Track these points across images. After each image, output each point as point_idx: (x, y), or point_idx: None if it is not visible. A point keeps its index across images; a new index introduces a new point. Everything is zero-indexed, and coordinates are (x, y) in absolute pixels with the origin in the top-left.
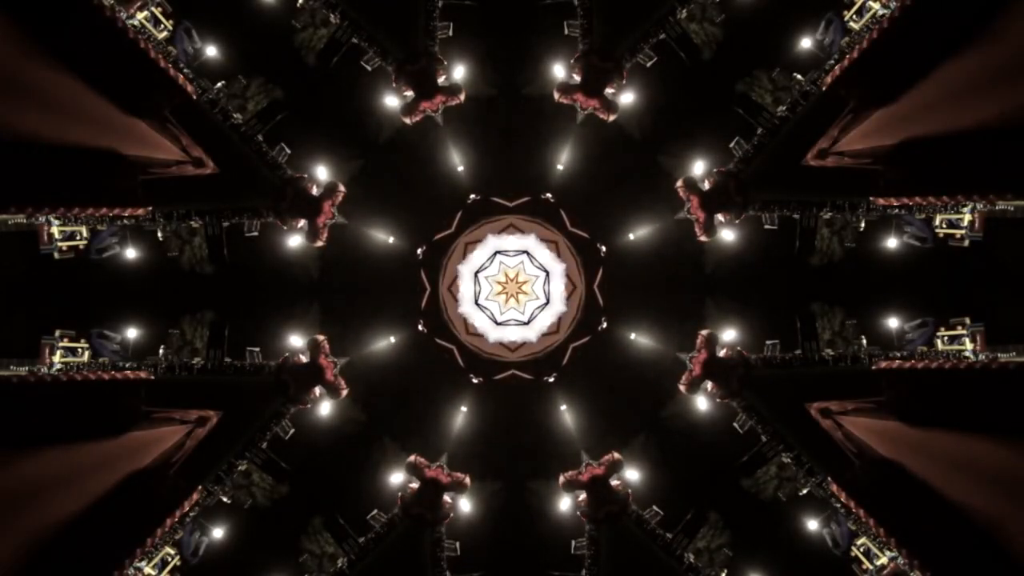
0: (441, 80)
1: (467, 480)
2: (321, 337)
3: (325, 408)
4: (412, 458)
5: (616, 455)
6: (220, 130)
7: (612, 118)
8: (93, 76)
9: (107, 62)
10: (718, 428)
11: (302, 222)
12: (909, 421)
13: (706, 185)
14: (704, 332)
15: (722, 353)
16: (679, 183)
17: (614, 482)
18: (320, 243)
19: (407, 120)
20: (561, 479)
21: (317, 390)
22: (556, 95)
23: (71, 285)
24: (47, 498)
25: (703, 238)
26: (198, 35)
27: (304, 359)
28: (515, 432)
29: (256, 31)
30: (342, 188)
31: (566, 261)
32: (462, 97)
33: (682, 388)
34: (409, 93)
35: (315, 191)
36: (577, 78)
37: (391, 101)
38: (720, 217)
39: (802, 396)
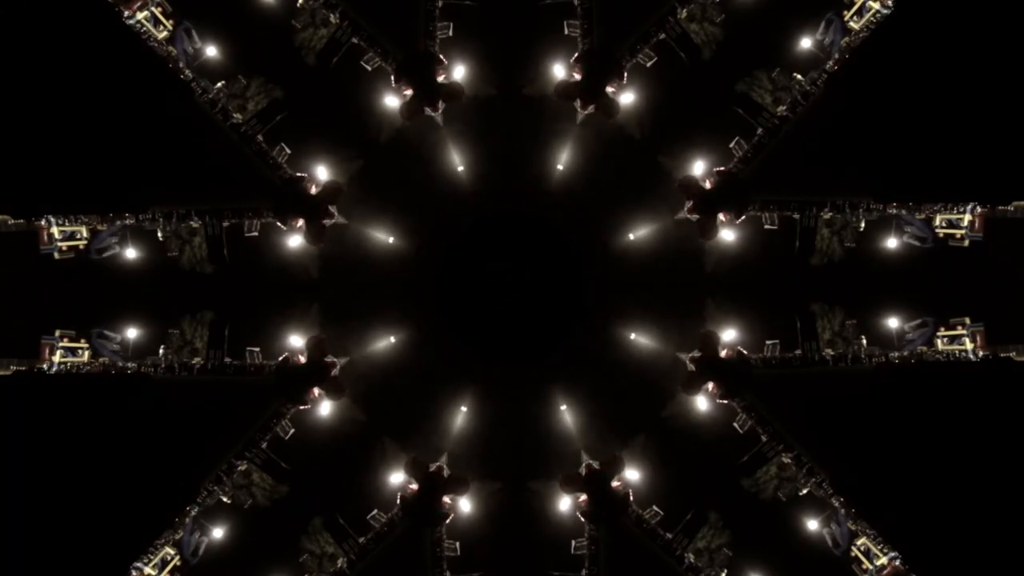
0: (441, 79)
1: (467, 480)
2: (321, 336)
3: (325, 408)
4: (411, 458)
5: (616, 454)
6: (220, 130)
7: (613, 119)
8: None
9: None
10: (718, 428)
11: (302, 222)
12: (909, 421)
13: (707, 185)
14: (704, 331)
15: (722, 353)
16: (678, 184)
17: (614, 483)
18: (320, 245)
19: (406, 120)
20: (560, 478)
21: (316, 390)
22: (555, 96)
23: (71, 285)
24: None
25: (704, 240)
26: (198, 35)
27: (303, 359)
28: (515, 432)
29: (256, 31)
30: (343, 188)
31: None
32: (463, 97)
33: (682, 389)
34: (408, 92)
35: (315, 190)
36: (577, 77)
37: (391, 101)
38: (721, 217)
39: (802, 396)
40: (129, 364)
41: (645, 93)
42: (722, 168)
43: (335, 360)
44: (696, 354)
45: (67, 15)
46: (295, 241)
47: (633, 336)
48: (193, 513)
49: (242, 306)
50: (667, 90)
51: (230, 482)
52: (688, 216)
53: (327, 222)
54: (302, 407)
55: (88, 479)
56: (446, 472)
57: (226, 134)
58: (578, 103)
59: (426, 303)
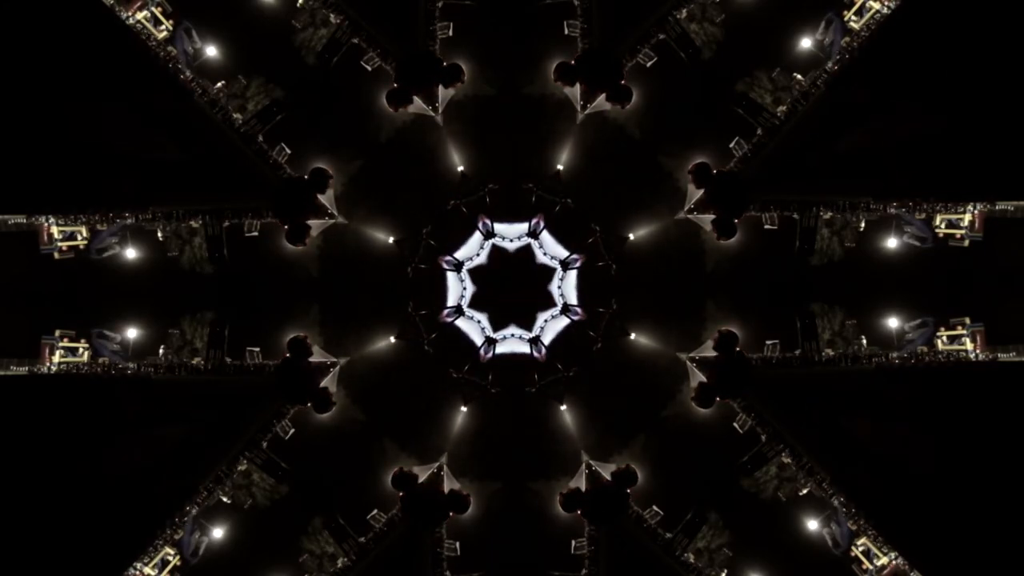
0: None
1: (468, 498)
2: (303, 336)
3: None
4: (399, 470)
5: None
6: (220, 130)
7: (617, 107)
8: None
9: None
10: (718, 428)
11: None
12: (908, 420)
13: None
14: (724, 330)
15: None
16: (690, 168)
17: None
18: (303, 245)
19: (393, 110)
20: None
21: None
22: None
23: (71, 285)
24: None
25: (723, 240)
26: (198, 35)
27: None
28: (515, 432)
29: (256, 31)
30: (331, 175)
31: None
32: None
33: (695, 403)
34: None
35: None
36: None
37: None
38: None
39: (802, 396)
40: (129, 364)
41: (645, 93)
42: (722, 168)
43: (326, 360)
44: (696, 355)
45: (66, 13)
46: None
47: (633, 336)
48: (193, 513)
49: (242, 306)
50: (667, 90)
51: (230, 482)
52: (689, 216)
53: (312, 222)
54: (302, 407)
55: (88, 479)
56: (445, 482)
57: (226, 134)
58: (578, 103)
59: (425, 303)
